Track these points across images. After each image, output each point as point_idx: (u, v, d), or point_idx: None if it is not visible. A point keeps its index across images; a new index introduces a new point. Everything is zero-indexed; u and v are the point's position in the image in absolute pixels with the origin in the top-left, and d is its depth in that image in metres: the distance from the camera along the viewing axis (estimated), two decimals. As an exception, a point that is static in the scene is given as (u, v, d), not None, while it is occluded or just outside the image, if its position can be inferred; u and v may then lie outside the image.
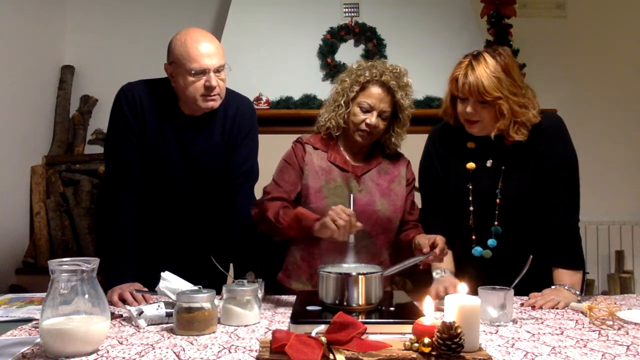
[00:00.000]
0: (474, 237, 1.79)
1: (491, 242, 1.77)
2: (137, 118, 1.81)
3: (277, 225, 1.66)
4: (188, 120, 1.85)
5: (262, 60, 3.51)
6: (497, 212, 1.76)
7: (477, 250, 1.78)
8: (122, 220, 1.80)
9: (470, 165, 1.79)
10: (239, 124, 1.90)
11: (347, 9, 3.61)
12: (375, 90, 1.76)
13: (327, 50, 3.54)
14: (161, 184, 1.87)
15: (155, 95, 1.84)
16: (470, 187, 1.79)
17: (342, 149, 1.86)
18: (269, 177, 1.87)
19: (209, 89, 1.74)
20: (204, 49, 1.72)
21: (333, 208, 1.52)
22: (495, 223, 1.77)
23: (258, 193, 1.93)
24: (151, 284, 1.56)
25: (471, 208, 1.79)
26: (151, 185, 1.87)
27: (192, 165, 1.86)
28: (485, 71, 1.64)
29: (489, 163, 1.79)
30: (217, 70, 1.75)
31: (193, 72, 1.72)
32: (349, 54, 3.55)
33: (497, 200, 1.76)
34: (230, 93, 1.90)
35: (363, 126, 1.76)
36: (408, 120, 1.85)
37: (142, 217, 1.87)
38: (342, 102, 1.79)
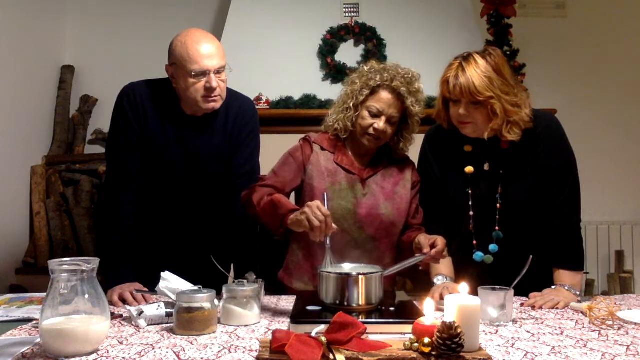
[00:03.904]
0: (474, 242, 1.78)
1: (492, 247, 1.76)
2: (138, 118, 1.81)
3: (256, 209, 1.61)
4: (190, 121, 1.85)
5: (262, 60, 3.51)
6: (497, 217, 1.75)
7: (479, 255, 1.77)
8: (123, 220, 1.80)
9: (469, 169, 1.78)
10: (241, 124, 1.90)
11: (347, 9, 3.61)
12: (385, 95, 1.73)
13: (327, 50, 3.54)
14: (162, 184, 1.87)
15: (157, 96, 1.84)
16: (470, 191, 1.78)
17: (349, 151, 1.84)
18: (269, 177, 1.86)
19: (209, 90, 1.74)
20: (205, 50, 1.72)
21: (309, 204, 1.45)
22: (496, 228, 1.76)
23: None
24: (151, 284, 1.57)
25: (471, 213, 1.77)
26: (152, 186, 1.87)
27: (194, 166, 1.86)
28: (476, 71, 1.63)
29: (486, 166, 1.77)
30: (218, 71, 1.75)
31: (194, 73, 1.72)
32: (349, 54, 3.55)
33: (498, 205, 1.75)
34: (231, 93, 1.90)
35: (371, 130, 1.74)
36: (417, 125, 1.81)
37: (143, 217, 1.87)
38: (351, 105, 1.76)
